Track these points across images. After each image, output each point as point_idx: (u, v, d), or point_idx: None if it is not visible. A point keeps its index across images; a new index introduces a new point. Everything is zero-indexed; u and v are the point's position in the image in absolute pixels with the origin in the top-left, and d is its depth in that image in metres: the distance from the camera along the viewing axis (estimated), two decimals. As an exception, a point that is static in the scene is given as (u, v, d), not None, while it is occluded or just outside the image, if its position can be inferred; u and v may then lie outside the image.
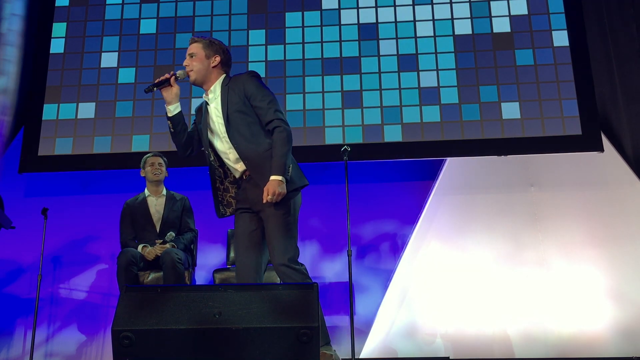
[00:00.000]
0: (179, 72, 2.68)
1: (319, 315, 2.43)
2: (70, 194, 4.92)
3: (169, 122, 2.67)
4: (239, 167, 2.72)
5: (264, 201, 2.56)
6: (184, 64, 2.71)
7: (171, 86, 2.64)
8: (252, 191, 2.68)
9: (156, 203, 4.06)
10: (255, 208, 2.69)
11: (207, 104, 2.76)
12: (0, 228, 3.91)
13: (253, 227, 2.71)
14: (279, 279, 4.00)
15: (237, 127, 2.63)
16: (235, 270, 2.72)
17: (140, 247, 3.88)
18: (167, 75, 2.66)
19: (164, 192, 4.12)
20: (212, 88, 2.73)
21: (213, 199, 2.82)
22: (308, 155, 4.72)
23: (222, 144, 2.71)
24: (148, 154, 4.14)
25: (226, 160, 2.75)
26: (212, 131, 2.73)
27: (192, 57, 2.71)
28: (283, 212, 2.64)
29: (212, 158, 2.76)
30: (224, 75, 2.76)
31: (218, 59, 2.73)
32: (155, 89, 2.62)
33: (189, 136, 2.78)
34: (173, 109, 2.66)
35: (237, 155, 2.66)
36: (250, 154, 2.63)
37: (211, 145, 2.74)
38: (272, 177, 2.58)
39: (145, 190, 4.13)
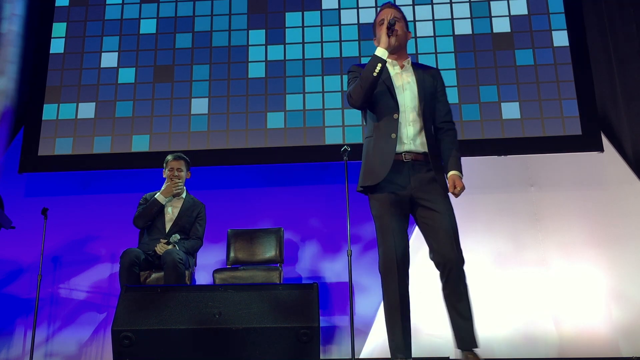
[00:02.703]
0: (391, 20, 2.62)
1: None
2: (71, 194, 4.92)
3: (379, 65, 2.56)
4: (406, 144, 2.60)
5: (450, 191, 2.59)
6: (388, 18, 2.65)
7: (393, 35, 2.61)
8: (415, 177, 2.59)
9: (173, 205, 4.06)
10: (416, 194, 2.58)
11: (388, 70, 2.69)
12: (0, 228, 3.91)
13: (404, 215, 2.62)
14: (277, 279, 4.02)
15: (428, 105, 2.66)
16: (384, 255, 2.56)
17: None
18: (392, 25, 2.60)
19: (184, 195, 4.10)
20: (405, 60, 2.74)
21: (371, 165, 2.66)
22: (308, 155, 4.72)
23: (406, 117, 2.63)
24: (170, 155, 4.09)
25: (404, 134, 2.61)
26: (401, 102, 2.65)
27: (396, 20, 2.65)
28: (453, 211, 2.64)
29: (397, 127, 2.62)
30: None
31: (410, 35, 2.80)
32: (390, 30, 2.59)
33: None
34: (386, 55, 2.59)
35: (418, 132, 2.61)
36: (430, 133, 2.65)
37: (400, 116, 2.64)
38: (456, 173, 2.63)
39: None
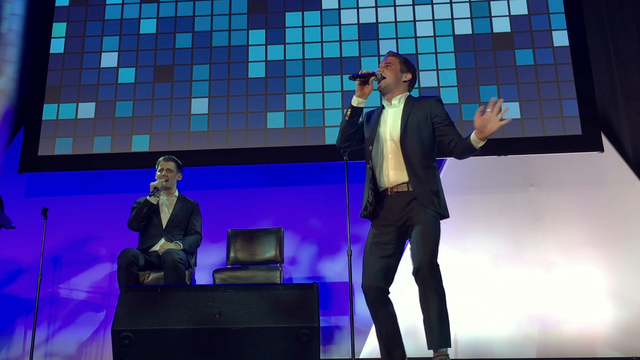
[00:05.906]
0: (377, 73, 2.77)
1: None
2: (71, 193, 4.92)
3: (349, 110, 2.76)
4: (391, 175, 2.71)
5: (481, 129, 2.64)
6: (378, 69, 2.83)
7: (368, 84, 2.73)
8: (395, 206, 2.69)
9: (167, 202, 4.10)
10: (399, 223, 2.68)
11: (383, 108, 2.86)
12: (0, 228, 3.91)
13: (388, 252, 2.71)
14: (277, 279, 4.02)
15: (412, 135, 2.71)
16: (363, 286, 2.79)
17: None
18: (370, 72, 2.74)
19: (176, 193, 4.16)
20: (397, 97, 2.83)
21: (363, 197, 2.83)
22: (308, 155, 4.72)
23: (386, 148, 2.75)
24: (162, 157, 4.15)
25: (384, 166, 2.74)
26: (380, 134, 2.79)
27: (387, 66, 2.84)
28: (435, 223, 2.64)
29: (371, 158, 2.79)
30: (409, 93, 2.88)
31: (409, 76, 2.87)
32: (358, 79, 2.72)
33: (355, 131, 2.84)
34: (360, 102, 2.75)
35: (399, 162, 2.70)
36: (416, 162, 2.68)
37: (374, 148, 2.79)
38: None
39: None
